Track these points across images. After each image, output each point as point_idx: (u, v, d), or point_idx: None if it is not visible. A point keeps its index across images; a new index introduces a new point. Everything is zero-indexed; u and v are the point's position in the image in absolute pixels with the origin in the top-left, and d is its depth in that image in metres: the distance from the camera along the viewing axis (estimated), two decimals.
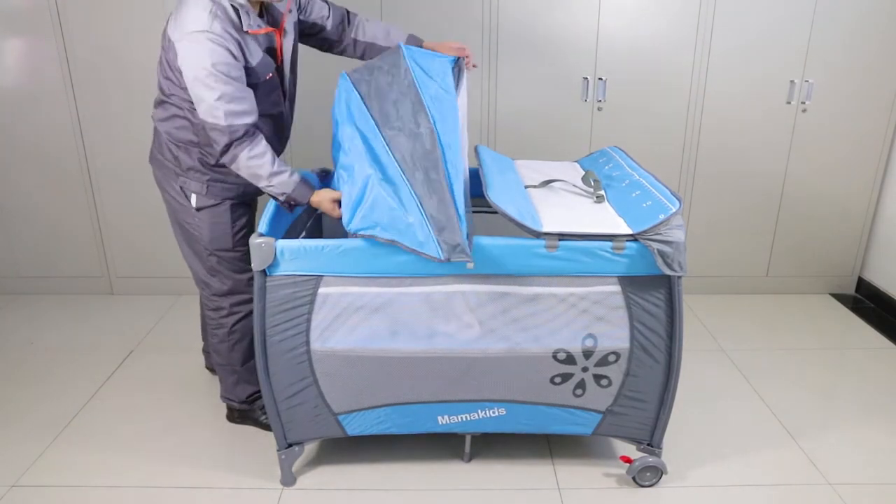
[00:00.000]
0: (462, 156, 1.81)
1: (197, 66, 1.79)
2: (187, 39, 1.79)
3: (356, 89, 1.95)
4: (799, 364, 2.75)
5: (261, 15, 1.97)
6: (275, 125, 2.09)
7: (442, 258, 1.68)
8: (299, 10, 2.13)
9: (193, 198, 2.04)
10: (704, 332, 3.00)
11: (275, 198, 1.95)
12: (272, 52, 1.99)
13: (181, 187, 2.04)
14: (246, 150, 1.85)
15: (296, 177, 1.93)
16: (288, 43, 2.06)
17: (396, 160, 1.79)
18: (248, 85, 1.88)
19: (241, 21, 1.86)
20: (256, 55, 1.90)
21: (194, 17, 1.79)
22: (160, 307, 3.23)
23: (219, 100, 1.79)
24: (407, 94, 1.87)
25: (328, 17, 2.18)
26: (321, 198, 1.96)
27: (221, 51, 1.79)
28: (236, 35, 1.84)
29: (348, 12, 2.23)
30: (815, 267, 3.36)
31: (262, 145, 1.88)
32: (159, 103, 2.02)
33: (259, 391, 2.26)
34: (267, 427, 2.29)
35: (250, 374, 2.23)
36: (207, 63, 1.78)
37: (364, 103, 1.91)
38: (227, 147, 1.85)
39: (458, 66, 2.02)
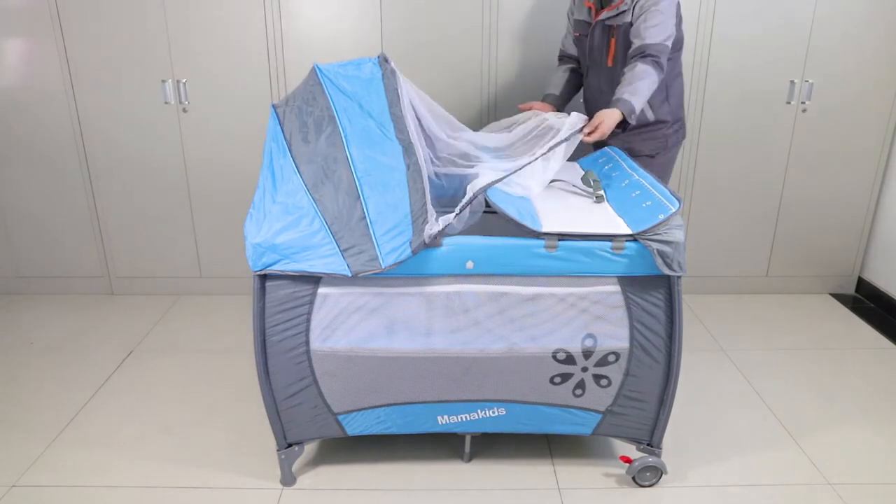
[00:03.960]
0: (393, 162, 1.84)
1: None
2: None
3: (275, 114, 2.00)
4: (799, 364, 2.75)
5: None
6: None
7: (350, 274, 1.74)
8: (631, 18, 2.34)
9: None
10: (704, 332, 3.00)
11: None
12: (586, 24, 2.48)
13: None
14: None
15: None
16: (600, 28, 2.43)
17: (303, 178, 1.84)
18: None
19: None
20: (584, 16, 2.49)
21: None
22: (160, 307, 3.23)
23: None
24: (321, 113, 1.93)
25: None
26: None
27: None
28: None
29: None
30: (815, 267, 3.36)
31: None
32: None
33: None
34: None
35: None
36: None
37: (280, 126, 1.96)
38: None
39: (383, 66, 2.02)
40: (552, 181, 2.14)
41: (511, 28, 2.94)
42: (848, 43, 2.95)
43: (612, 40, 2.39)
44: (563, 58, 2.67)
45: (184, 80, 2.99)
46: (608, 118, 2.14)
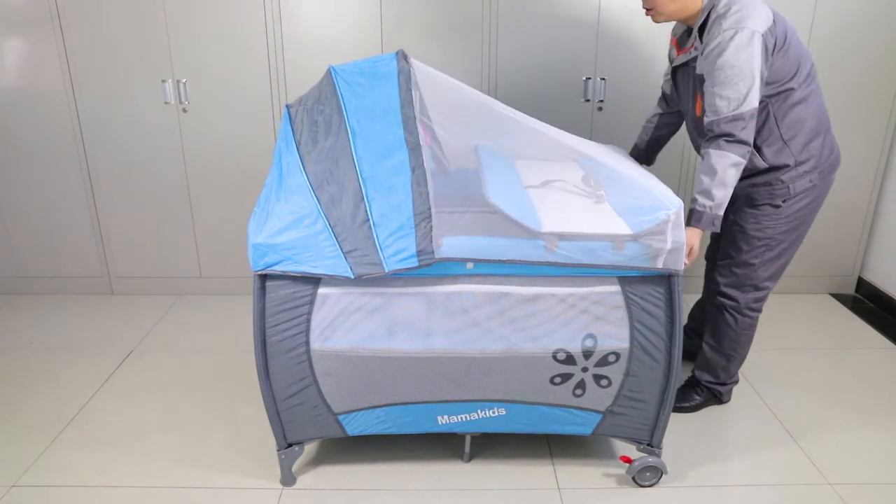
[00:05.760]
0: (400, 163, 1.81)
1: None
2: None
3: (288, 115, 1.99)
4: (799, 364, 2.75)
5: (689, 33, 2.13)
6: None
7: (353, 277, 1.73)
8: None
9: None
10: None
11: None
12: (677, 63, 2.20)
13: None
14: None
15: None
16: (682, 72, 2.18)
17: (308, 178, 1.83)
18: None
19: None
20: (671, 54, 2.25)
21: None
22: (160, 307, 3.23)
23: None
24: (331, 112, 1.91)
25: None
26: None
27: None
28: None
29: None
30: (815, 267, 3.36)
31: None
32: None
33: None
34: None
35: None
36: None
37: (291, 126, 1.95)
38: None
39: (400, 64, 1.94)
40: (552, 181, 2.14)
41: (512, 28, 2.94)
42: (848, 43, 2.95)
43: (697, 89, 2.06)
44: (661, 98, 2.43)
45: (184, 80, 2.99)
46: (692, 239, 1.92)
